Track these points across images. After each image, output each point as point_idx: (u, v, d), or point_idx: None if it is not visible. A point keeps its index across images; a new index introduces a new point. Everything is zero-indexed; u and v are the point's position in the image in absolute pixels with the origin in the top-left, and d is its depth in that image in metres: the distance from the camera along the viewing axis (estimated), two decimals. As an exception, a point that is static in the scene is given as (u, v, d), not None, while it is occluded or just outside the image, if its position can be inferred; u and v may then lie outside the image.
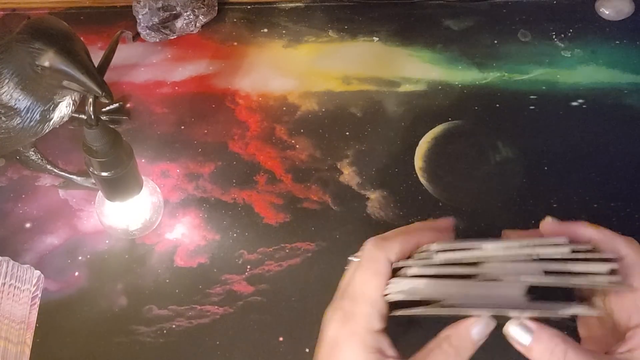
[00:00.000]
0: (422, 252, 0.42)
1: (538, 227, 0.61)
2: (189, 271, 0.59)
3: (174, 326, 0.56)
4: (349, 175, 0.63)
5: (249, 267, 0.59)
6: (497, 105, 0.68)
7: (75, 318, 0.56)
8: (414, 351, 0.42)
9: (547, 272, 0.39)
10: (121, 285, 0.58)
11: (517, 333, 0.40)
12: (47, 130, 0.53)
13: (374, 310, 0.42)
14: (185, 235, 0.60)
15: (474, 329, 0.41)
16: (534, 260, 0.39)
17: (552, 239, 0.40)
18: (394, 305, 0.42)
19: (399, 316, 0.41)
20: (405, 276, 0.41)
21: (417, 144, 0.65)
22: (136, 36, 0.71)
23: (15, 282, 0.56)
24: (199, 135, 0.66)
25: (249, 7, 0.74)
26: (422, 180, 0.63)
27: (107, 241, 0.60)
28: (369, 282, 0.42)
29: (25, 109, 0.50)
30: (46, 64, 0.45)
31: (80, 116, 0.62)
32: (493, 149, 0.65)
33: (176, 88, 0.68)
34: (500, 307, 0.39)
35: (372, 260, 0.43)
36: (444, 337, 0.42)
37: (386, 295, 0.41)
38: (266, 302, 0.57)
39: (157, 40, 0.71)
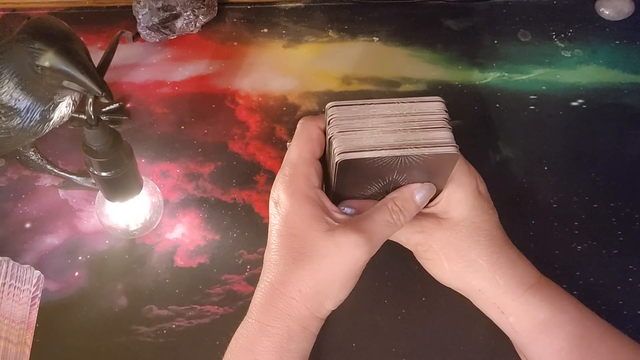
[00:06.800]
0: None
1: (538, 227, 0.61)
2: (189, 271, 0.59)
3: (174, 326, 0.56)
4: (349, 175, 0.64)
5: (249, 267, 0.59)
6: (497, 105, 0.68)
7: (75, 318, 0.56)
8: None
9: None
10: (121, 285, 0.58)
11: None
12: (47, 130, 0.53)
13: (311, 169, 0.47)
14: (185, 235, 0.60)
15: (418, 194, 0.48)
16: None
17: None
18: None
19: (347, 161, 0.44)
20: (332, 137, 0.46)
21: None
22: (136, 36, 0.71)
23: (15, 282, 0.56)
24: (199, 135, 0.66)
25: (249, 7, 0.74)
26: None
27: (107, 241, 0.60)
28: (305, 147, 0.47)
29: (25, 109, 0.50)
30: (46, 64, 0.45)
31: (80, 116, 0.62)
32: (493, 149, 0.65)
33: (176, 88, 0.68)
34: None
35: (304, 129, 0.48)
36: (390, 198, 0.48)
37: (338, 156, 0.44)
38: (266, 302, 0.57)
39: (157, 40, 0.71)
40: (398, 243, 0.52)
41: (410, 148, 0.44)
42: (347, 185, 0.48)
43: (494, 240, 0.49)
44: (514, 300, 0.48)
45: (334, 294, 0.45)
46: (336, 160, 0.44)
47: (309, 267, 0.45)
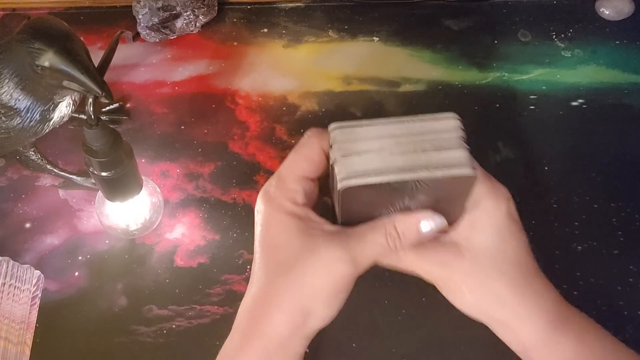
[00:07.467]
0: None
1: (538, 227, 0.61)
2: (189, 271, 0.59)
3: (174, 326, 0.56)
4: (349, 175, 0.63)
5: (248, 267, 0.59)
6: (497, 105, 0.68)
7: (75, 318, 0.56)
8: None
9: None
10: (121, 285, 0.58)
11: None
12: (47, 130, 0.53)
13: (299, 187, 0.42)
14: (185, 235, 0.60)
15: (424, 224, 0.42)
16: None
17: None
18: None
19: (351, 188, 0.40)
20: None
21: (417, 144, 0.65)
22: (136, 36, 0.71)
23: (15, 282, 0.56)
24: (199, 135, 0.66)
25: (249, 7, 0.74)
26: (422, 180, 0.63)
27: (107, 241, 0.60)
28: (300, 164, 0.43)
29: (25, 109, 0.50)
30: (46, 64, 0.45)
31: (80, 116, 0.62)
32: (493, 149, 0.65)
33: (176, 88, 0.69)
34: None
35: (306, 145, 0.43)
36: (391, 220, 0.43)
37: (341, 183, 0.40)
38: (266, 302, 0.57)
39: (157, 40, 0.71)
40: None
41: (421, 171, 0.39)
42: (354, 213, 0.43)
43: (521, 270, 0.45)
44: (537, 333, 0.44)
45: (318, 312, 0.41)
46: (338, 188, 0.40)
47: (291, 282, 0.41)
